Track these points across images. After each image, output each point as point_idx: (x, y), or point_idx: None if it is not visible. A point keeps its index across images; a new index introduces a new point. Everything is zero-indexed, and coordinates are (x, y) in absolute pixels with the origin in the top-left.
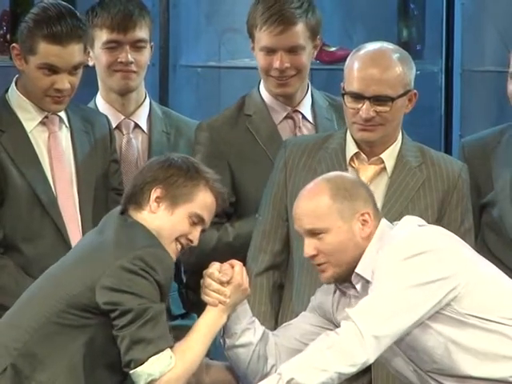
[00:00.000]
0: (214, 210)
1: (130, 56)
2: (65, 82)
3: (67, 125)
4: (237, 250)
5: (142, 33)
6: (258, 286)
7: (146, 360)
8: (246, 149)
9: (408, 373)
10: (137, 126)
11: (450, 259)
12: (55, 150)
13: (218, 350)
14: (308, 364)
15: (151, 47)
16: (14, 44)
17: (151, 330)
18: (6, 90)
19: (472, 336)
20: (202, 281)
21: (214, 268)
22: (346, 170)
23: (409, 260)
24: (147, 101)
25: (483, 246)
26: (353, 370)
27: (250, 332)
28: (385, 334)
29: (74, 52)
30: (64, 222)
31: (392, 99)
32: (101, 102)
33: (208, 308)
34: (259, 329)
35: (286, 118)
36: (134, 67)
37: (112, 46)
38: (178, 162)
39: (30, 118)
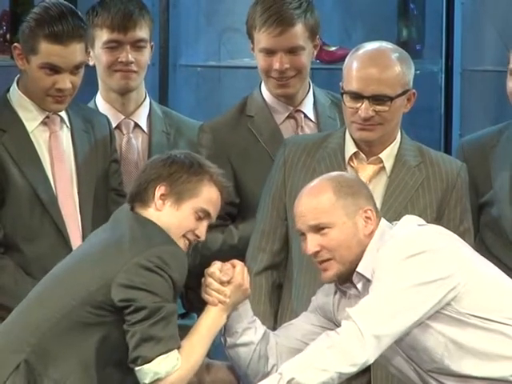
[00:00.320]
0: (219, 204)
1: (130, 56)
2: (66, 81)
3: (68, 124)
4: (241, 253)
5: (143, 32)
6: (257, 285)
7: (154, 358)
8: (249, 150)
9: (409, 372)
10: (137, 125)
11: (450, 259)
12: (56, 149)
13: (218, 349)
14: (308, 364)
15: (151, 47)
16: (15, 44)
17: (162, 329)
18: (8, 90)
19: (472, 336)
20: (202, 279)
21: (215, 267)
22: (344, 169)
23: (409, 259)
24: (147, 101)
25: (482, 245)
26: (353, 369)
27: (251, 331)
28: (385, 334)
29: (75, 52)
30: (64, 221)
31: (391, 99)
32: (101, 102)
33: (208, 307)
34: (260, 328)
35: (287, 117)
36: (134, 67)
37: (112, 46)
38: (180, 158)
39: (31, 118)
